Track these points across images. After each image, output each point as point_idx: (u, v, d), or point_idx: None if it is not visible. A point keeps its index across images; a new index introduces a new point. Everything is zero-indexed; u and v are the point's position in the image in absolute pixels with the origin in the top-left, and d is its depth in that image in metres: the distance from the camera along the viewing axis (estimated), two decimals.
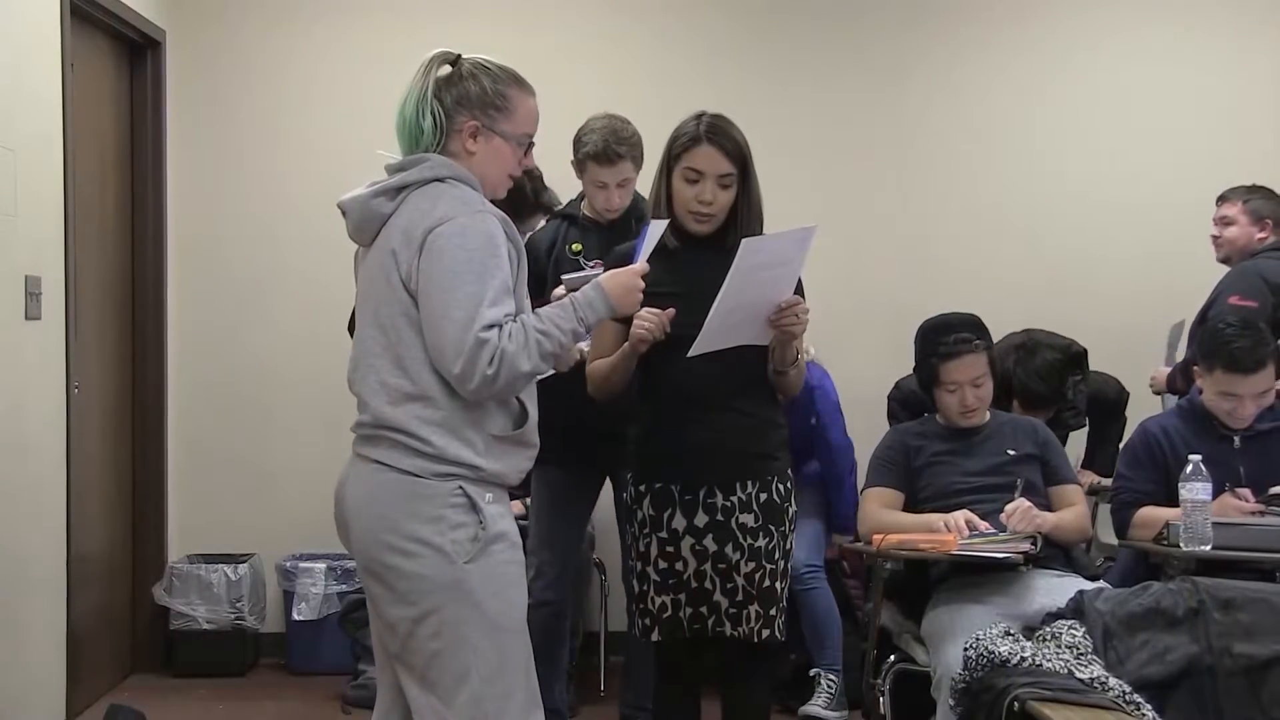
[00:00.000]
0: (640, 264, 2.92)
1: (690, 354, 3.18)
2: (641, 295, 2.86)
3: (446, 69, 2.76)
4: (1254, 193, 4.95)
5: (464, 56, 2.78)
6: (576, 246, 4.09)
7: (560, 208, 4.27)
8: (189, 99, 5.65)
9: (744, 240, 3.14)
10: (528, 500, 4.38)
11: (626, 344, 3.26)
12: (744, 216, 3.34)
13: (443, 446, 2.64)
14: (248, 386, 5.70)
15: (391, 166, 2.76)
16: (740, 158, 3.30)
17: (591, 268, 3.78)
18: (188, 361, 5.67)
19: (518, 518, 4.82)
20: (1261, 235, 4.89)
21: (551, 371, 2.78)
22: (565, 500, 4.13)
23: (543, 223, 4.28)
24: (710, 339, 3.17)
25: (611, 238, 3.97)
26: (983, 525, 3.74)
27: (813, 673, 4.68)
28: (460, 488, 2.64)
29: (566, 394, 3.62)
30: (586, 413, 3.62)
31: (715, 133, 3.30)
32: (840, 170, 5.82)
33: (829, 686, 4.69)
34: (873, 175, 5.83)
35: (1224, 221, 4.96)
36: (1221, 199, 5.01)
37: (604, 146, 3.99)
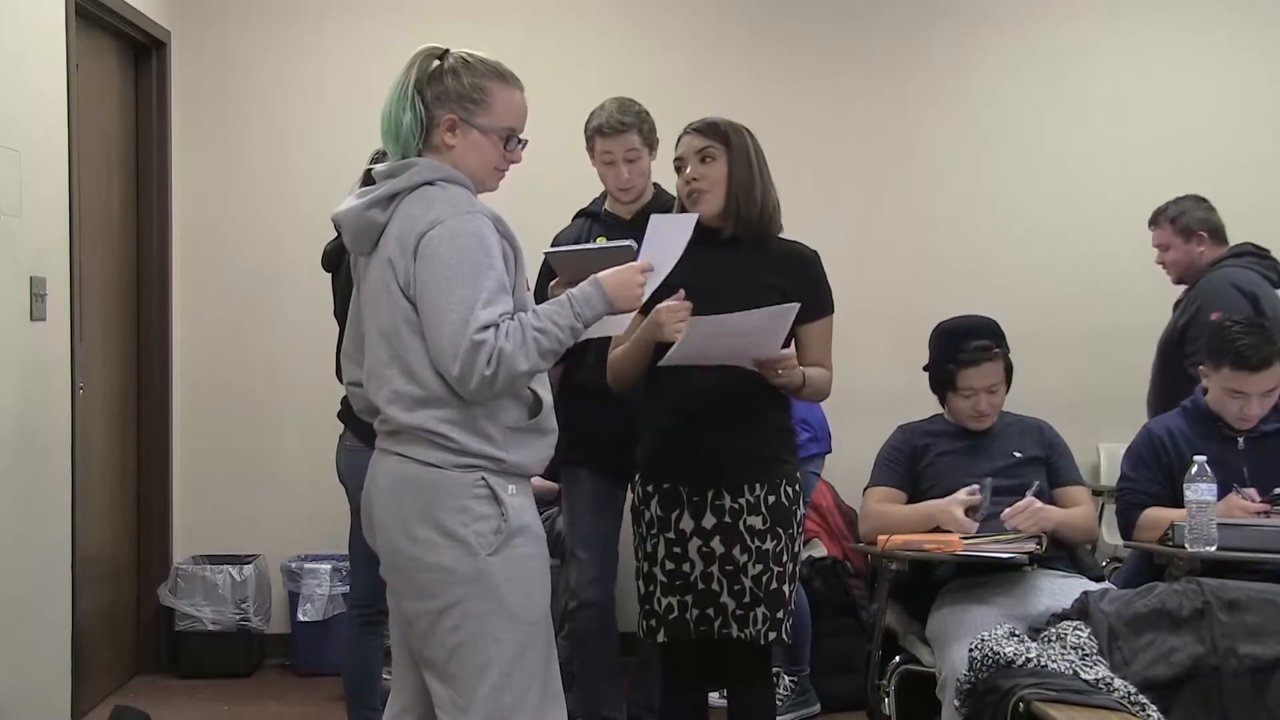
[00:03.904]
0: (641, 261, 2.92)
1: (660, 363, 3.20)
2: (641, 292, 2.85)
3: (433, 64, 2.76)
4: (1179, 206, 4.86)
5: (450, 51, 2.78)
6: (601, 240, 4.09)
7: (584, 206, 4.30)
8: (194, 99, 5.66)
9: (695, 319, 3.12)
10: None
11: (642, 331, 3.26)
12: (733, 193, 3.34)
13: (464, 442, 2.65)
14: (253, 387, 5.70)
15: (380, 173, 2.76)
16: (717, 133, 3.36)
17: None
18: (193, 362, 5.67)
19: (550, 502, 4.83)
20: (1201, 249, 4.82)
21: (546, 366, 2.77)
22: (597, 501, 4.13)
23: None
24: (684, 359, 3.19)
25: (635, 233, 3.97)
26: (976, 499, 3.75)
27: (774, 670, 4.66)
28: (483, 479, 2.66)
29: (594, 401, 3.62)
30: (612, 419, 3.69)
31: (695, 123, 3.40)
32: (845, 173, 5.82)
33: (789, 687, 4.76)
34: (878, 177, 5.83)
35: (1161, 247, 4.88)
36: (1151, 223, 4.93)
37: (607, 117, 4.05)
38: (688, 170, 3.37)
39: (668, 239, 3.06)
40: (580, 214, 4.29)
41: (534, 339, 2.62)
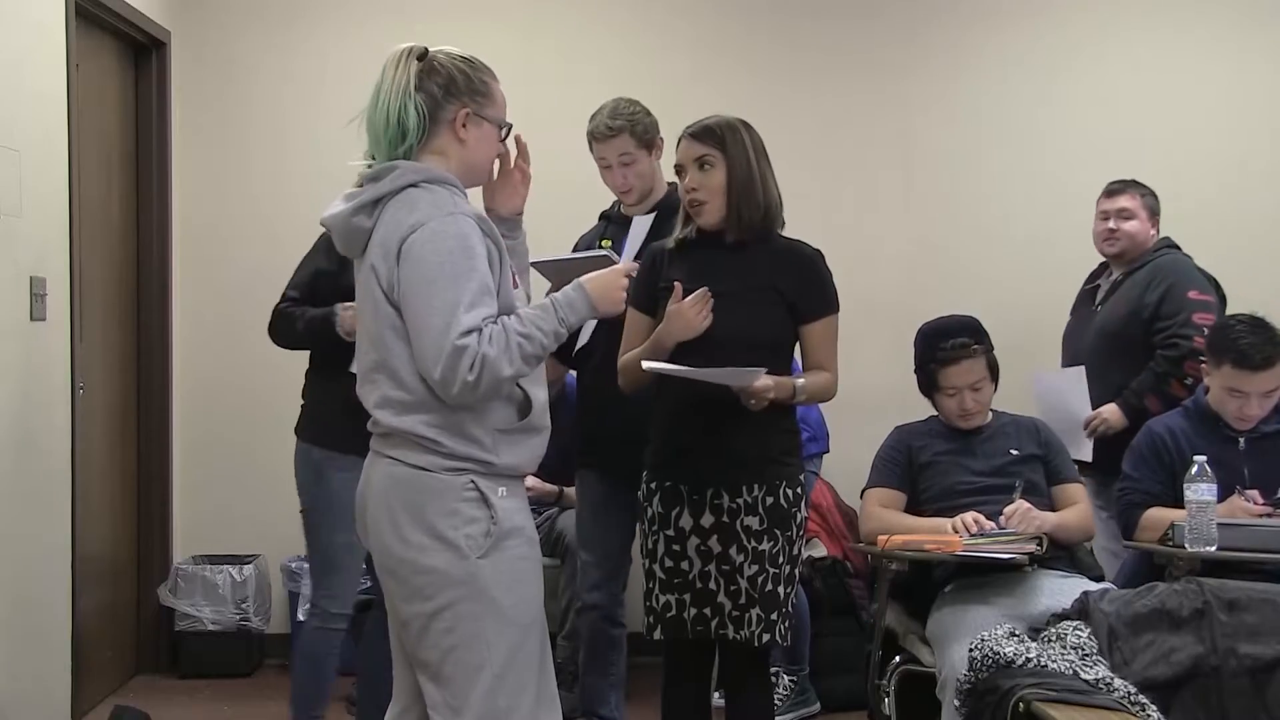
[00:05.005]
0: (625, 264, 2.95)
1: (643, 364, 3.25)
2: (625, 295, 2.85)
3: (422, 62, 2.76)
4: (1140, 187, 4.91)
5: (430, 49, 2.78)
6: (606, 242, 4.10)
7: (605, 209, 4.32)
8: (194, 99, 5.66)
9: (658, 365, 3.20)
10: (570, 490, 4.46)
11: (662, 333, 3.28)
12: (734, 200, 3.33)
13: (452, 446, 2.65)
14: (253, 386, 5.69)
15: (365, 176, 2.75)
16: (713, 138, 3.33)
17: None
18: (192, 362, 5.67)
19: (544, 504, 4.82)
20: (1153, 232, 4.88)
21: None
22: (604, 504, 4.09)
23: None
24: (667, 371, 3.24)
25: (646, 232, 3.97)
26: (989, 525, 3.75)
27: (774, 670, 4.67)
28: (472, 482, 2.65)
29: (610, 403, 3.62)
30: (621, 421, 3.67)
31: (692, 127, 3.38)
32: (845, 172, 5.82)
33: (788, 686, 4.76)
34: (877, 177, 5.84)
35: (1124, 215, 4.87)
36: (1114, 192, 4.93)
37: (599, 123, 4.05)
38: (689, 180, 3.36)
39: (639, 238, 3.09)
40: (601, 216, 4.31)
41: (517, 344, 2.62)
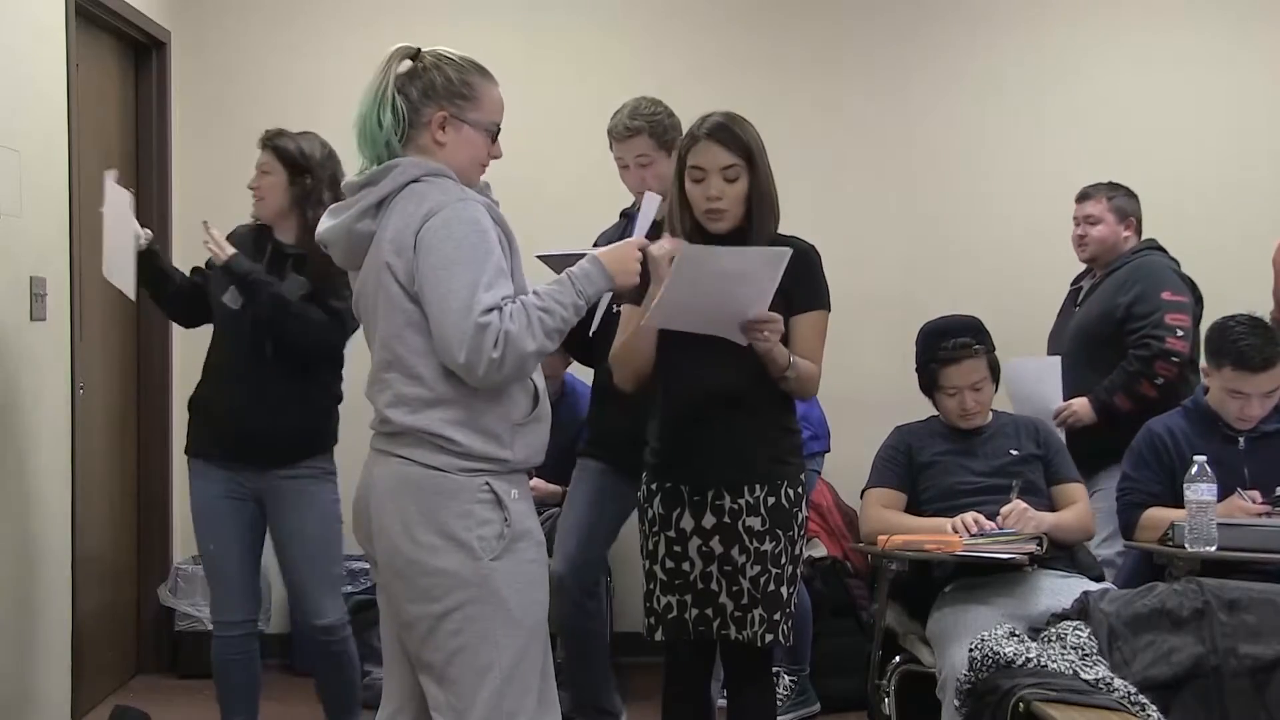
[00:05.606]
0: (638, 238, 2.95)
1: (643, 324, 3.16)
2: (639, 267, 2.84)
3: (407, 64, 2.75)
4: (1115, 190, 4.94)
5: (424, 50, 2.77)
6: None
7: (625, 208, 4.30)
8: (194, 100, 5.66)
9: (686, 247, 3.07)
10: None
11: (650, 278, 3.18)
12: (756, 209, 3.29)
13: (470, 445, 2.65)
14: None
15: (356, 184, 2.74)
16: (743, 149, 3.26)
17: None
18: (193, 362, 5.61)
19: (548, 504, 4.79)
20: (1126, 234, 4.90)
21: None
22: (604, 493, 4.06)
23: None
24: (667, 319, 3.14)
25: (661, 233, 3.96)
26: (989, 525, 3.75)
27: (775, 670, 4.66)
28: (487, 484, 2.65)
29: (627, 399, 3.60)
30: (634, 417, 3.62)
31: (715, 129, 3.28)
32: (844, 171, 5.82)
33: (789, 686, 4.76)
34: (877, 176, 5.84)
35: (1090, 220, 4.91)
36: (1084, 197, 4.97)
37: (616, 121, 4.02)
38: (711, 188, 3.26)
39: (650, 214, 3.07)
40: (622, 214, 4.29)
41: (539, 319, 2.61)
